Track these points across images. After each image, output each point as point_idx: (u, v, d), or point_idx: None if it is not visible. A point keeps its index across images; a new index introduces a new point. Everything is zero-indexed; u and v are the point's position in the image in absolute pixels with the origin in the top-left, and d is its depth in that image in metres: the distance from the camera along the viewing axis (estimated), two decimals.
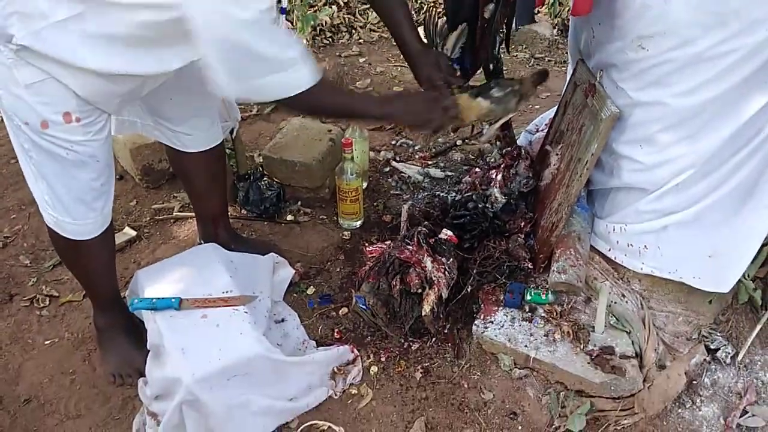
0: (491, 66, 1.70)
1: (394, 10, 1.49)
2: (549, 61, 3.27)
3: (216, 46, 1.06)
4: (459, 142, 2.45)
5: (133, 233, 1.93)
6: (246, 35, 1.04)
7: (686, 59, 1.25)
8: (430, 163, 2.33)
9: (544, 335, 1.43)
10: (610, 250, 1.52)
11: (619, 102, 1.37)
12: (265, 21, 1.05)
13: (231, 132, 1.94)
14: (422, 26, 1.65)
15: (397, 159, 2.34)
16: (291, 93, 1.15)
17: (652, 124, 1.35)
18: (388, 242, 1.61)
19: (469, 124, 1.55)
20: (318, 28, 3.50)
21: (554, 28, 3.45)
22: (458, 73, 1.57)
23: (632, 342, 1.40)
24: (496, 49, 1.67)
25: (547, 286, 1.49)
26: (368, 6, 3.77)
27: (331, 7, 3.61)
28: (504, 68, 1.76)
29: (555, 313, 1.47)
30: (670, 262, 1.42)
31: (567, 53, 1.99)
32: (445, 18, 1.64)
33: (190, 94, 1.48)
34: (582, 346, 1.39)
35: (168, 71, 1.22)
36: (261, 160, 2.15)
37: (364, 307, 1.53)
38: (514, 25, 1.42)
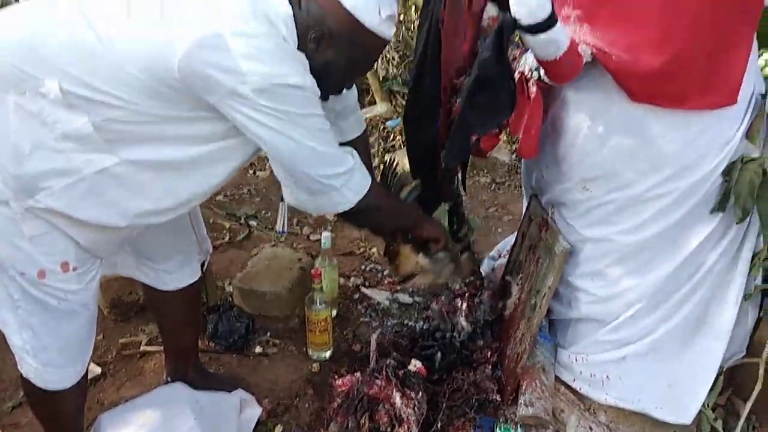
0: (452, 202, 1.81)
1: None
2: (509, 185, 3.45)
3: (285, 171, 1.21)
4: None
5: (98, 370, 1.89)
6: (310, 160, 1.17)
7: (626, 200, 1.36)
8: (398, 288, 2.37)
9: None
10: (574, 380, 1.54)
11: (570, 237, 1.46)
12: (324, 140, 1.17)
13: (202, 265, 1.98)
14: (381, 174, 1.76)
15: (366, 285, 2.38)
16: (365, 189, 1.26)
17: (601, 259, 1.43)
18: (357, 374, 1.62)
19: (402, 277, 1.61)
20: None
21: (512, 153, 3.67)
22: None
23: None
24: (456, 185, 1.79)
25: (516, 420, 1.50)
26: None
27: None
28: (464, 198, 1.87)
29: None
30: (632, 392, 1.45)
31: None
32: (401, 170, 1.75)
33: (177, 232, 1.52)
34: None
35: (186, 210, 1.29)
36: (231, 290, 2.17)
37: None
38: (443, 163, 1.53)
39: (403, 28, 3.95)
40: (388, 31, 1.19)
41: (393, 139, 3.93)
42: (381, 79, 4.16)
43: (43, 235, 1.16)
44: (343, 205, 1.26)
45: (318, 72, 1.18)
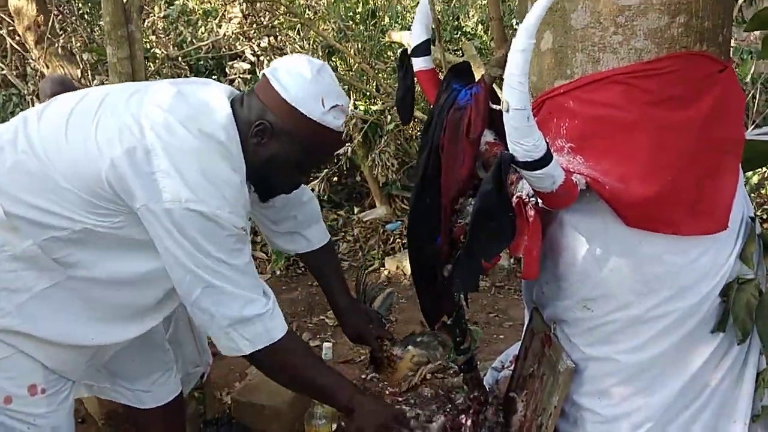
0: (453, 314, 1.82)
1: (324, 264, 1.59)
2: (509, 289, 3.47)
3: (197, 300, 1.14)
4: (429, 376, 2.47)
5: None
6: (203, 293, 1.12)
7: (627, 320, 1.38)
8: (400, 399, 2.32)
9: None
10: None
11: (574, 356, 1.46)
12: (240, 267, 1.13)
13: (201, 376, 1.96)
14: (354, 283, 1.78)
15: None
16: (263, 342, 1.17)
17: (606, 378, 1.43)
18: None
19: (401, 379, 1.59)
20: (291, 259, 3.70)
21: (510, 258, 3.72)
22: (386, 326, 1.66)
23: None
24: (458, 298, 1.81)
25: None
26: (339, 238, 4.06)
27: None
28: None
29: None
30: None
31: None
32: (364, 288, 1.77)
33: (152, 350, 1.50)
34: None
35: (143, 331, 1.26)
36: (230, 402, 2.13)
37: None
38: (454, 291, 1.54)
39: (402, 138, 4.12)
40: (334, 121, 1.20)
41: (392, 242, 4.00)
42: (381, 184, 4.29)
43: (6, 359, 1.13)
44: (233, 351, 1.19)
45: (263, 168, 1.17)
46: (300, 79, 1.16)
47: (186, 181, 1.06)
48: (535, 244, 1.42)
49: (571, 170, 1.28)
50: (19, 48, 3.92)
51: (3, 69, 3.95)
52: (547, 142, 1.14)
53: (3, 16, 3.86)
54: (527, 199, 1.38)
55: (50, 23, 3.55)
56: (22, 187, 1.11)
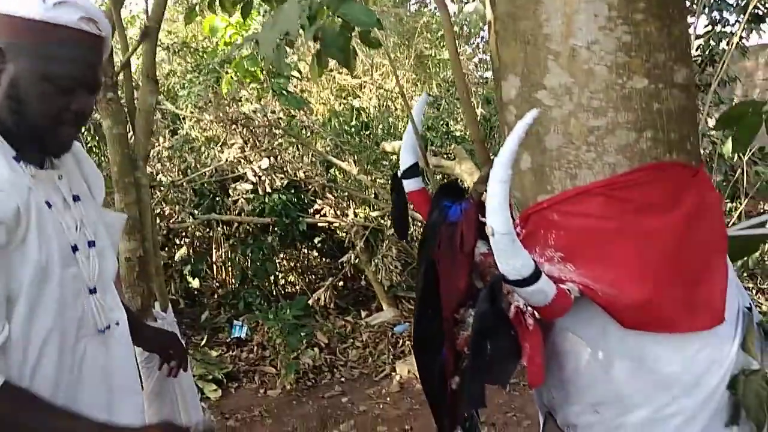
0: (466, 423, 1.80)
1: None
2: (524, 385, 3.41)
3: None
4: None
5: None
6: None
7: (639, 422, 1.37)
8: None
9: None
10: None
11: None
12: None
13: None
14: None
15: None
16: None
17: None
18: None
19: None
20: (301, 372, 3.67)
21: None
22: None
23: None
24: (467, 415, 1.79)
25: None
26: (348, 345, 4.04)
27: (313, 350, 3.85)
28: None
29: None
30: None
31: None
32: None
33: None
34: None
35: None
36: None
37: None
38: (463, 411, 1.54)
39: (404, 242, 4.21)
40: (65, 16, 1.06)
41: (402, 345, 3.97)
42: (386, 287, 4.33)
43: None
44: None
45: (13, 102, 1.05)
46: None
47: None
48: (537, 351, 1.44)
49: (564, 278, 1.33)
50: None
51: None
52: (534, 261, 1.19)
53: None
54: (525, 309, 1.42)
55: None
56: None
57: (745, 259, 3.77)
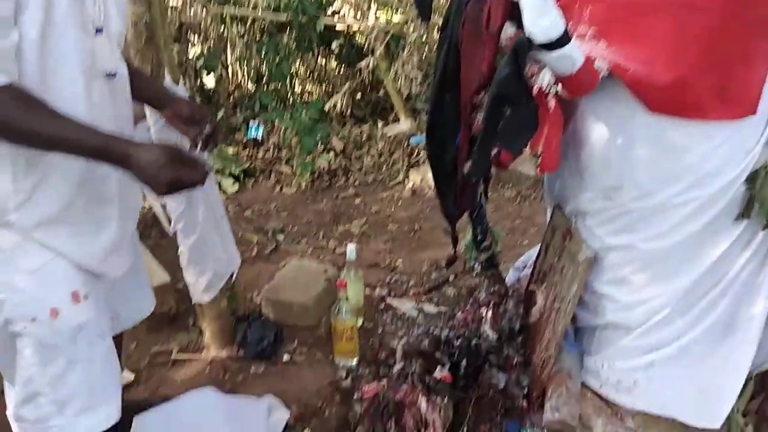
0: (476, 212, 1.84)
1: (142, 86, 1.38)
2: (534, 198, 3.46)
3: None
4: (452, 278, 2.54)
5: (131, 377, 1.95)
6: None
7: (649, 209, 1.38)
8: (423, 298, 2.40)
9: None
10: (601, 386, 1.54)
11: (595, 245, 1.48)
12: None
13: (230, 276, 2.03)
14: None
15: (392, 295, 2.41)
16: None
17: (626, 266, 1.45)
18: (383, 381, 1.64)
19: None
20: (317, 173, 3.73)
21: (537, 167, 3.69)
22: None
23: None
24: (479, 197, 1.82)
25: (543, 425, 1.50)
26: (363, 152, 4.06)
27: (328, 154, 3.88)
28: (488, 209, 1.89)
29: None
30: (660, 398, 1.45)
31: None
32: None
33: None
34: None
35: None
36: (259, 301, 2.22)
37: None
38: (471, 178, 1.52)
39: (426, 49, 4.02)
40: None
41: (417, 155, 3.98)
42: (404, 97, 4.23)
43: (46, 266, 1.08)
44: None
45: None
46: None
47: None
48: (555, 135, 1.40)
49: (593, 57, 1.25)
50: None
51: None
52: (565, 23, 1.10)
53: None
54: (547, 90, 1.36)
55: None
56: None
57: None
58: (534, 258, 2.04)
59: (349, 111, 4.41)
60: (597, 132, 1.41)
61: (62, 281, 1.10)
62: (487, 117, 1.25)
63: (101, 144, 1.04)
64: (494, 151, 1.59)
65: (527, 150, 1.49)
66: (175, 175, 1.06)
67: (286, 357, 2.03)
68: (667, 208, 1.37)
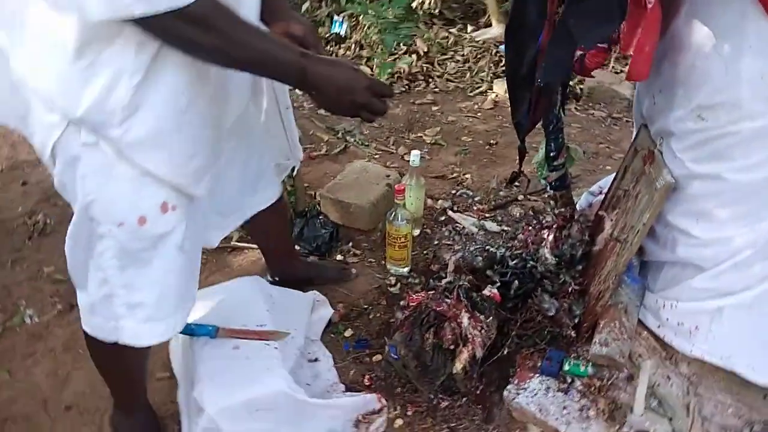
0: (551, 125, 1.68)
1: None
2: (627, 121, 3.18)
3: None
4: (520, 197, 2.41)
5: None
6: None
7: (747, 134, 1.19)
8: (487, 215, 2.30)
9: (579, 410, 1.36)
10: (659, 327, 1.43)
11: (677, 172, 1.32)
12: None
13: (292, 170, 2.01)
14: None
15: (455, 209, 2.33)
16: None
17: (709, 199, 1.28)
18: (431, 291, 1.60)
19: None
20: (396, 75, 3.59)
21: (634, 87, 3.36)
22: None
23: (673, 429, 1.30)
24: (557, 109, 1.66)
25: (588, 358, 1.42)
26: (448, 57, 3.85)
27: (410, 56, 3.70)
28: (567, 127, 1.73)
29: (593, 388, 1.39)
30: (723, 347, 1.32)
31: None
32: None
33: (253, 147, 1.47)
34: (617, 428, 1.30)
35: None
36: (318, 199, 2.21)
37: (395, 356, 1.52)
38: (539, 80, 1.36)
39: None
40: None
41: (503, 64, 3.74)
42: (500, 0, 3.92)
43: (137, 178, 1.06)
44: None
45: None
46: None
47: None
48: (649, 38, 1.21)
49: None
50: None
51: None
52: None
53: None
54: None
55: None
56: None
57: None
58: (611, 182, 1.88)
59: (437, 11, 4.14)
60: (700, 38, 1.20)
61: (154, 191, 1.08)
62: (570, 4, 1.08)
63: (296, 61, 1.02)
64: (577, 54, 1.43)
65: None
66: (368, 101, 1.07)
67: (339, 257, 2.03)
68: (766, 136, 1.17)
